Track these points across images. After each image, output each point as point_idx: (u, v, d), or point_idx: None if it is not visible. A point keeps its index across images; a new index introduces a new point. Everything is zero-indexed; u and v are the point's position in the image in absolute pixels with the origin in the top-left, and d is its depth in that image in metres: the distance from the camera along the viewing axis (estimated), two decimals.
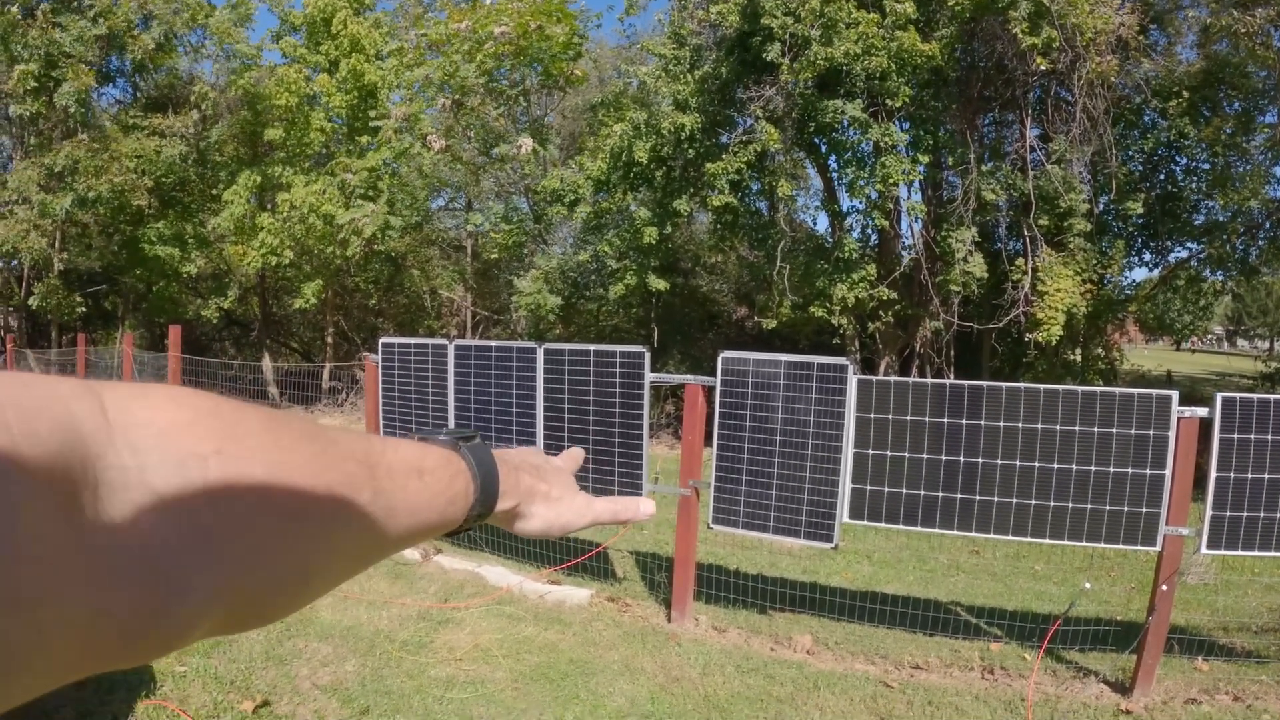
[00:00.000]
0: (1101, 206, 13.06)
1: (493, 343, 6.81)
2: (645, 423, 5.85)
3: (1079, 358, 14.59)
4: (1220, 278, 14.60)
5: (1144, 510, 4.63)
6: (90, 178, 16.21)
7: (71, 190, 16.16)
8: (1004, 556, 7.99)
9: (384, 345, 7.55)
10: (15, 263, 18.22)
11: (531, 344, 6.43)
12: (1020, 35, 11.18)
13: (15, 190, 16.46)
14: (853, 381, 5.12)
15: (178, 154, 18.02)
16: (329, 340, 22.25)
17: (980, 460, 4.88)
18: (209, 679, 4.59)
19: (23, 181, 16.22)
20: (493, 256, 19.27)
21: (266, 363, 21.30)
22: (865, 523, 5.19)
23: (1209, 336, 42.11)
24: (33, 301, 18.07)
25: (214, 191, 19.43)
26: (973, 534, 4.94)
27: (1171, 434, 4.59)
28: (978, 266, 12.68)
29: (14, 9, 15.81)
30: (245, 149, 19.59)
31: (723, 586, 6.28)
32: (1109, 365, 14.97)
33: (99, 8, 16.66)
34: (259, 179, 18.37)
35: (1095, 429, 4.67)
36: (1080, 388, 4.76)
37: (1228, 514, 4.57)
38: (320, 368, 21.06)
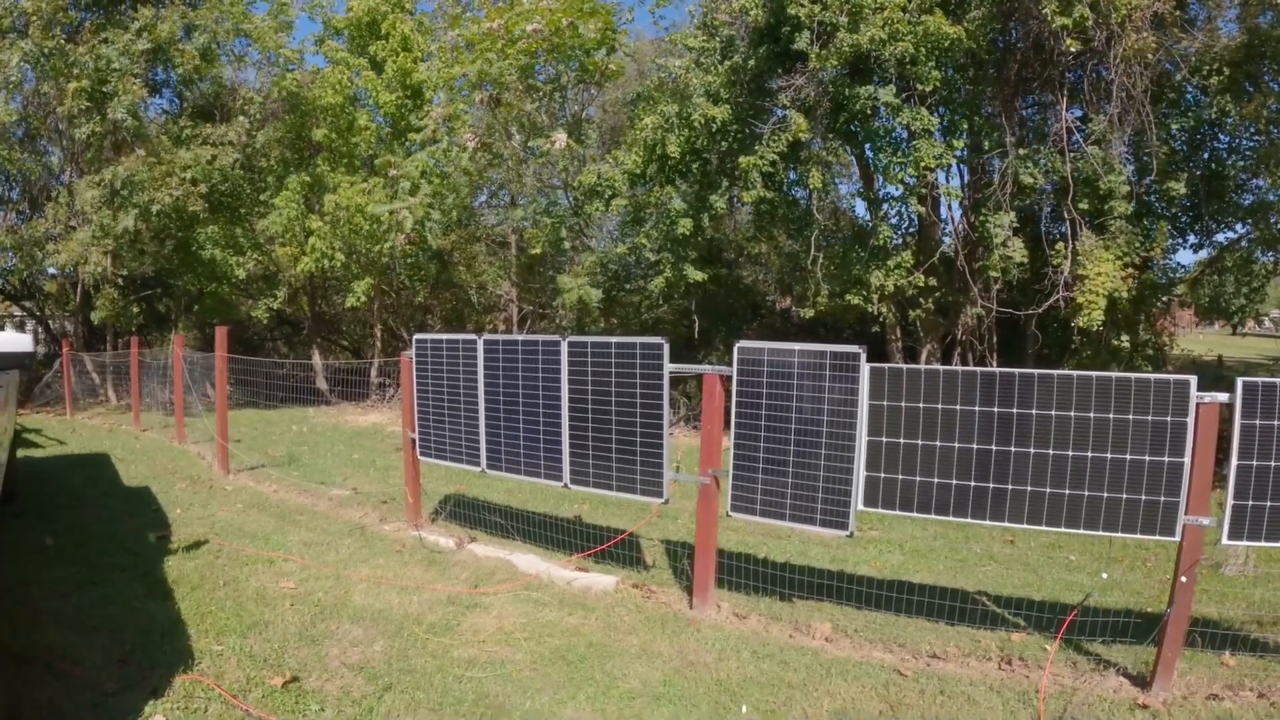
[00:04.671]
0: (1143, 188, 12.75)
1: (519, 336, 6.95)
2: (665, 412, 5.93)
3: (1126, 343, 14.29)
4: (1271, 259, 14.15)
5: (1163, 499, 4.56)
6: (152, 190, 16.56)
7: (135, 206, 16.51)
8: (1039, 546, 7.86)
9: (417, 341, 7.82)
10: (70, 270, 18.71)
11: (556, 337, 6.56)
12: (1051, 15, 10.99)
13: (79, 213, 16.94)
14: (865, 369, 5.14)
15: (231, 163, 18.32)
16: (377, 336, 22.65)
17: (994, 447, 4.86)
18: (243, 656, 4.87)
19: (85, 202, 16.63)
20: (535, 252, 19.45)
21: (317, 360, 21.77)
22: (880, 510, 5.19)
23: (1265, 319, 40.77)
24: (94, 316, 18.52)
25: (261, 196, 19.82)
26: (987, 522, 4.90)
27: (1190, 420, 4.51)
28: (1017, 251, 12.49)
29: (58, 31, 16.20)
30: (291, 152, 19.96)
31: (749, 574, 6.31)
32: (1156, 350, 14.65)
33: (143, 22, 17.00)
34: (308, 179, 18.70)
35: (1111, 415, 4.61)
36: (1095, 373, 4.70)
37: (1250, 503, 4.47)
38: (369, 364, 21.47)
